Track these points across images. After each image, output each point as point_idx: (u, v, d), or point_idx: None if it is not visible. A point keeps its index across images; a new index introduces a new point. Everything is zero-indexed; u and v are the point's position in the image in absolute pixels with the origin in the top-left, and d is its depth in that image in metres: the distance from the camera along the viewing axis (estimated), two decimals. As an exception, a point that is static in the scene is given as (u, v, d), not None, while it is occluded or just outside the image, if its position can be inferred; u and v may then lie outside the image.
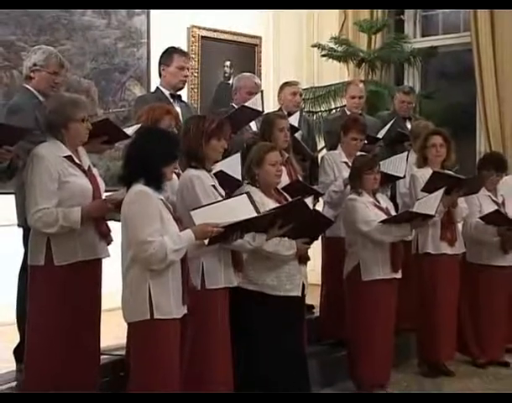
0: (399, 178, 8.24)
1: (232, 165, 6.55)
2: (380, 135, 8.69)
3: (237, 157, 6.64)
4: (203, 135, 5.98)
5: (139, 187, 5.19)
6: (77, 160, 5.75)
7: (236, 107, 7.72)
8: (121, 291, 5.33)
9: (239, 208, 5.63)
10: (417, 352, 8.41)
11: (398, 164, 8.15)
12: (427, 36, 12.79)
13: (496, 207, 8.42)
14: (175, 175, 6.06)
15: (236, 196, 5.89)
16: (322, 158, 8.41)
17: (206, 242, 5.47)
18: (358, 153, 8.01)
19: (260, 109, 7.76)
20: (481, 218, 8.36)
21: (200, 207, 5.56)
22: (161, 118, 6.24)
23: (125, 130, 6.20)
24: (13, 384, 6.06)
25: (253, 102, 7.70)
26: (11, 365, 6.30)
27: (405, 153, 8.40)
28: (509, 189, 8.89)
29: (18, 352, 6.21)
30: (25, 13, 9.09)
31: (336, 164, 8.15)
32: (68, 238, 5.63)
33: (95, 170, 5.94)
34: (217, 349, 6.04)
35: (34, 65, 6.46)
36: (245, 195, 5.81)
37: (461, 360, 8.57)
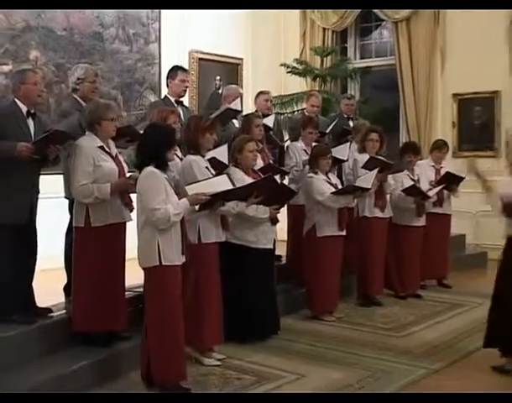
0: (343, 161, 8.25)
1: (221, 153, 6.52)
2: (327, 130, 8.68)
3: (224, 147, 6.61)
4: (200, 130, 5.96)
5: (149, 169, 5.19)
6: (107, 149, 5.75)
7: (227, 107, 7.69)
8: (136, 246, 5.32)
9: (221, 184, 5.65)
10: (356, 288, 8.39)
11: (343, 151, 8.17)
12: (364, 59, 12.79)
13: (413, 183, 8.41)
14: (178, 159, 6.05)
15: (218, 175, 5.86)
16: (287, 147, 8.38)
17: (197, 208, 5.49)
18: (314, 143, 8.01)
19: (240, 109, 7.81)
20: (402, 191, 8.36)
21: (192, 183, 5.57)
22: (167, 117, 6.19)
23: None
24: (64, 311, 6.04)
25: (235, 105, 7.70)
26: (62, 298, 6.26)
27: (348, 143, 8.42)
28: (422, 170, 8.90)
29: (66, 289, 6.19)
30: (70, 42, 9.17)
31: (297, 151, 8.12)
32: (101, 206, 5.63)
33: (120, 157, 5.91)
34: (212, 287, 6.03)
35: (78, 78, 6.44)
36: (225, 175, 5.83)
37: (387, 294, 8.55)
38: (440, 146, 9.32)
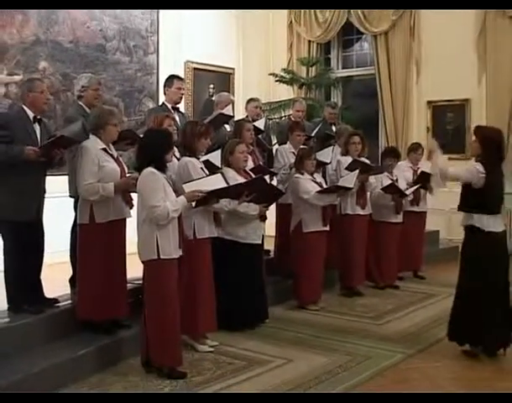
0: (327, 163, 8.24)
1: (215, 157, 6.50)
2: (313, 134, 8.68)
3: (218, 152, 6.59)
4: (195, 135, 5.95)
5: (149, 169, 5.19)
6: (110, 151, 5.75)
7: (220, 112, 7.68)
8: (135, 241, 5.33)
9: (216, 182, 5.65)
10: (339, 280, 8.39)
11: (326, 155, 8.17)
12: (346, 68, 12.79)
13: (391, 182, 8.42)
14: (176, 160, 6.04)
15: (214, 174, 5.85)
16: (277, 150, 8.37)
17: (194, 204, 5.51)
18: (301, 146, 8.00)
19: (232, 115, 7.81)
20: (382, 189, 8.37)
21: (189, 181, 5.57)
22: (163, 122, 6.18)
23: None
24: (69, 301, 6.02)
25: (227, 110, 7.70)
26: (67, 289, 6.26)
27: (331, 147, 8.40)
28: (400, 171, 8.91)
29: (72, 280, 6.20)
30: (76, 53, 9.22)
31: (286, 153, 8.10)
32: (104, 204, 5.63)
33: (121, 159, 5.91)
34: (205, 279, 6.02)
35: (82, 86, 6.46)
36: (220, 174, 5.82)
37: (367, 285, 8.56)
38: (415, 148, 9.36)
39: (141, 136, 5.98)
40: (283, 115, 11.38)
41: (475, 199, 5.67)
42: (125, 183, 5.67)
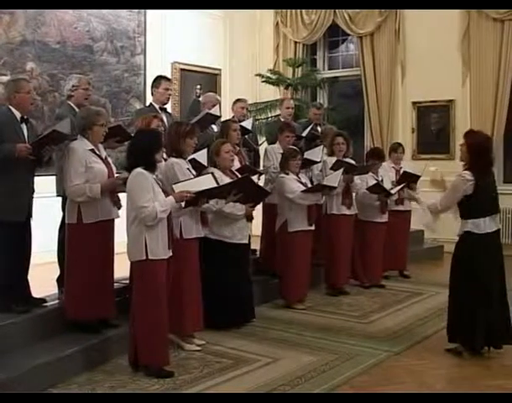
0: (316, 162, 8.23)
1: (201, 156, 6.50)
2: (304, 134, 8.70)
3: (204, 151, 6.60)
4: (181, 136, 5.95)
5: (138, 170, 5.19)
6: (98, 152, 5.74)
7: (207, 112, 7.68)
8: (125, 241, 5.32)
9: (206, 183, 5.64)
10: (324, 279, 8.41)
11: (316, 154, 8.19)
12: (332, 69, 12.80)
13: (376, 182, 8.45)
14: (163, 160, 6.04)
15: (204, 174, 5.85)
16: (266, 149, 8.38)
17: (183, 205, 5.49)
18: (290, 146, 7.99)
19: (219, 115, 7.80)
20: (367, 189, 8.39)
21: (179, 182, 5.57)
22: (151, 123, 6.17)
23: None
24: (57, 301, 6.02)
25: (214, 111, 7.70)
26: (55, 289, 6.25)
27: (321, 146, 8.42)
28: (385, 171, 8.94)
29: (59, 280, 6.19)
30: (63, 54, 9.18)
31: (275, 154, 8.10)
32: (92, 204, 5.62)
33: (109, 159, 5.90)
34: (193, 278, 6.02)
35: (73, 86, 6.46)
36: (210, 174, 5.81)
37: (353, 284, 8.59)
38: (395, 148, 9.43)
39: (130, 133, 5.98)
40: (269, 115, 11.39)
41: (468, 206, 5.70)
42: (112, 183, 5.66)
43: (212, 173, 5.90)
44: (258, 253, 8.40)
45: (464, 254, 5.76)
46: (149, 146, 5.28)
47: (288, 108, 9.09)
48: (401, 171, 8.99)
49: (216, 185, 5.73)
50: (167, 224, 5.31)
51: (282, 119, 9.11)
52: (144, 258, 5.17)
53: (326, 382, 5.26)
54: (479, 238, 5.72)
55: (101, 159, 5.74)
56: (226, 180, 6.31)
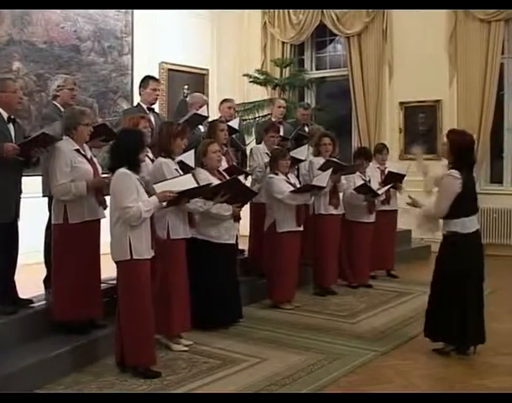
0: (302, 161, 8.25)
1: (189, 158, 6.49)
2: (290, 136, 8.70)
3: (191, 152, 6.58)
4: (171, 136, 5.94)
5: (122, 170, 5.17)
6: (83, 152, 5.71)
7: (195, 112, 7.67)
8: (109, 241, 5.32)
9: (186, 182, 5.63)
10: (312, 279, 8.41)
11: (302, 152, 8.21)
12: (319, 70, 12.83)
13: (363, 182, 8.47)
14: (149, 161, 6.03)
15: (184, 174, 5.83)
16: (251, 150, 8.38)
17: (165, 204, 5.48)
18: (275, 146, 8.01)
19: (206, 115, 7.80)
20: (354, 190, 8.41)
21: (160, 182, 5.56)
22: (138, 123, 6.14)
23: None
24: (43, 302, 6.00)
25: (202, 111, 7.70)
26: (42, 290, 6.24)
27: (306, 145, 8.44)
28: (372, 171, 8.96)
29: (46, 281, 6.18)
30: (50, 54, 9.15)
31: (261, 154, 8.11)
32: (78, 204, 5.59)
33: (95, 159, 5.88)
34: (180, 279, 6.01)
35: (58, 86, 6.46)
36: (190, 174, 5.81)
37: (340, 284, 8.59)
38: (380, 149, 9.43)
39: (116, 132, 5.97)
40: (257, 116, 11.40)
41: (455, 205, 5.69)
42: (99, 182, 5.64)
43: (193, 173, 5.90)
44: (245, 253, 8.40)
45: (452, 255, 5.75)
46: (133, 146, 5.26)
47: (280, 107, 9.11)
48: (386, 171, 9.03)
49: (196, 184, 5.73)
50: (150, 224, 5.30)
51: (273, 119, 9.12)
52: (129, 257, 5.16)
53: (313, 382, 5.26)
54: (466, 238, 5.74)
55: (87, 159, 5.71)
56: (212, 180, 6.31)
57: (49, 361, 5.27)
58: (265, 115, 10.79)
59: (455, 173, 5.68)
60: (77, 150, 5.63)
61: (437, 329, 5.88)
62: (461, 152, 5.73)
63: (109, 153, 5.45)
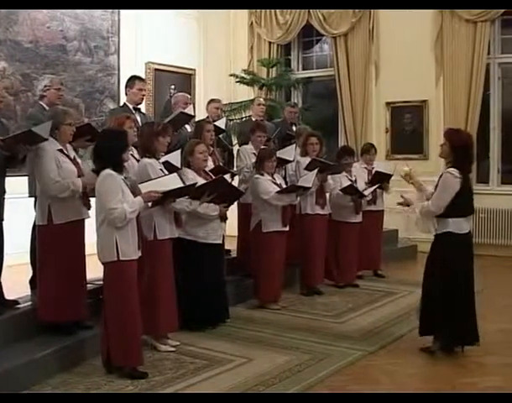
0: (289, 161, 8.24)
1: (175, 158, 6.48)
2: (272, 136, 8.67)
3: (177, 152, 6.56)
4: (153, 135, 5.93)
5: (107, 171, 5.15)
6: (66, 152, 5.67)
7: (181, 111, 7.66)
8: (95, 242, 5.29)
9: (171, 182, 5.64)
10: (299, 279, 8.42)
11: (289, 153, 8.17)
12: (306, 70, 12.86)
13: (350, 183, 8.48)
14: (135, 161, 6.01)
15: (169, 174, 5.83)
16: (238, 150, 8.37)
17: (150, 204, 5.49)
18: (262, 146, 8.00)
19: (193, 114, 7.79)
20: (341, 190, 8.42)
21: (145, 181, 5.55)
22: (124, 123, 6.08)
23: None
24: (30, 303, 5.98)
25: (188, 110, 7.69)
26: (28, 290, 6.23)
27: (294, 145, 8.41)
28: (358, 171, 8.99)
29: (32, 282, 6.17)
30: (36, 54, 9.10)
31: (248, 154, 8.10)
32: (62, 205, 5.55)
33: (78, 159, 5.84)
34: (166, 279, 6.00)
35: (45, 86, 6.47)
36: (176, 174, 5.80)
37: (327, 284, 8.61)
38: (368, 148, 9.46)
39: (100, 132, 5.95)
40: (244, 116, 11.40)
41: (452, 204, 5.69)
42: (93, 177, 5.58)
43: (178, 173, 5.89)
44: (232, 253, 8.39)
45: (446, 255, 5.75)
46: (114, 146, 5.24)
47: (259, 105, 9.11)
48: (373, 171, 9.06)
49: (181, 184, 5.73)
50: (136, 224, 5.28)
51: (253, 119, 9.12)
52: (116, 259, 5.14)
53: (300, 382, 5.26)
54: (460, 239, 5.75)
55: (70, 159, 5.67)
56: (199, 180, 6.31)
57: (35, 362, 5.25)
58: (250, 115, 10.80)
59: (454, 171, 5.69)
60: (60, 150, 5.59)
61: (429, 327, 5.91)
62: (461, 152, 5.73)
63: (92, 155, 5.41)
